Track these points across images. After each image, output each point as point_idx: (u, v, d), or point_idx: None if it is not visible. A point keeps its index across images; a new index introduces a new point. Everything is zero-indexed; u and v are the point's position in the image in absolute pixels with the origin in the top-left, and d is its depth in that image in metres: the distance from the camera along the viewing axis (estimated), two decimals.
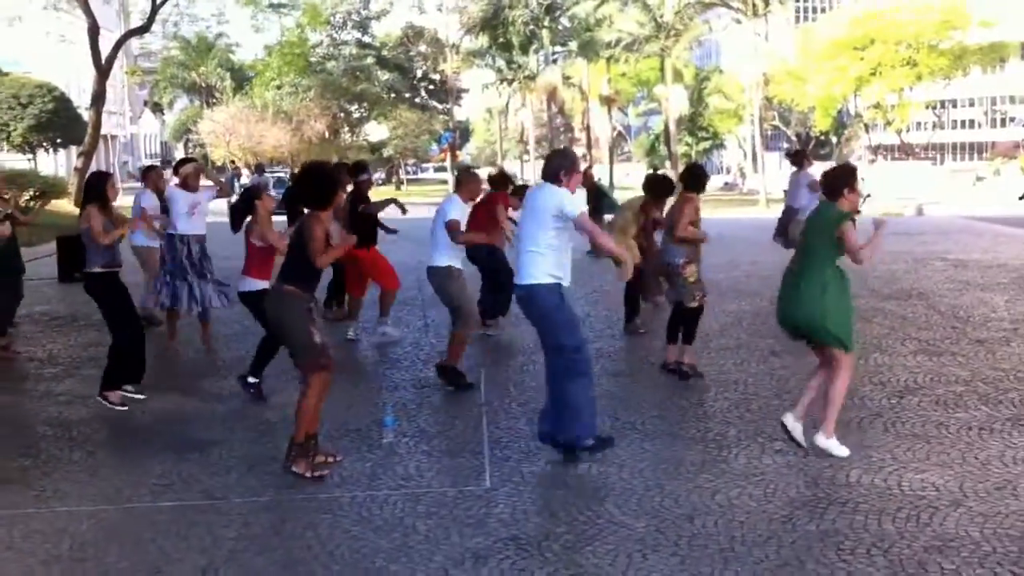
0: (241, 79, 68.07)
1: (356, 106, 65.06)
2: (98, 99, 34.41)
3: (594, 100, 54.25)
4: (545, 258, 6.44)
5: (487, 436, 7.17)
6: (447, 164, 71.99)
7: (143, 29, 37.86)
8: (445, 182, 63.58)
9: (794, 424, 6.69)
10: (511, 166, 63.42)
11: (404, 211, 11.11)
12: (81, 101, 45.87)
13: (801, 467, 6.39)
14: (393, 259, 11.14)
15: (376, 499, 5.96)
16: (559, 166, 6.57)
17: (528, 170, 58.38)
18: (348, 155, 66.97)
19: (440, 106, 63.14)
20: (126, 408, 8.06)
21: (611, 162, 54.86)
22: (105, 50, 33.22)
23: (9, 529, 5.56)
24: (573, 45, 54.25)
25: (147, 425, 7.77)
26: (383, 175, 70.32)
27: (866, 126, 68.98)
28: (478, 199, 9.27)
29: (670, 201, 9.69)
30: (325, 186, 6.41)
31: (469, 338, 8.89)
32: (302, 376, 6.43)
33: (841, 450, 6.56)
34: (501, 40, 54.24)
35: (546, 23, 52.98)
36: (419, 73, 63.89)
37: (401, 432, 7.17)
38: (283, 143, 57.16)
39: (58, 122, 45.67)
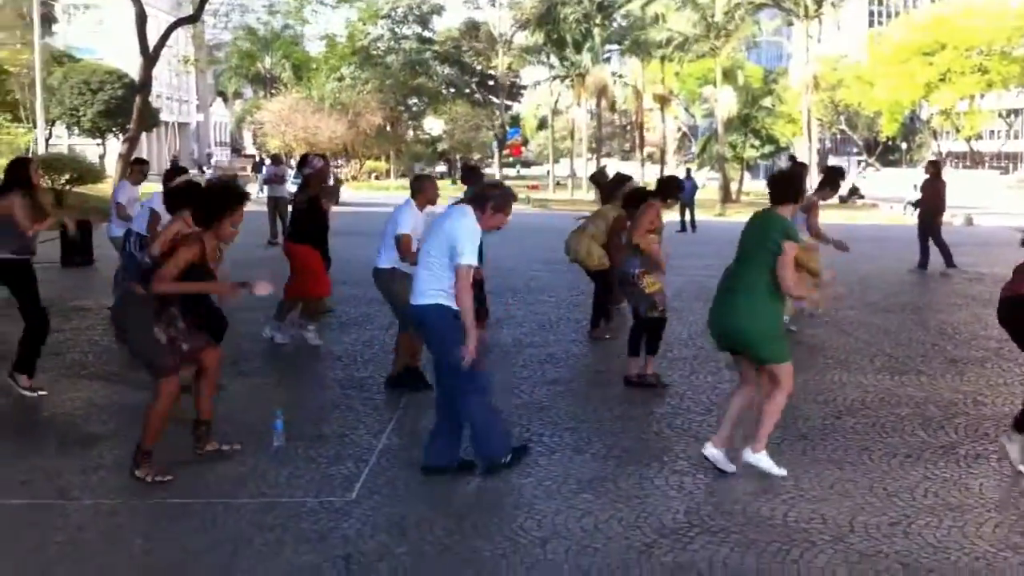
0: (302, 70, 68.64)
1: (415, 100, 65.29)
2: (144, 86, 34.66)
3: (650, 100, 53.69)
4: (437, 278, 6.10)
5: (383, 444, 6.86)
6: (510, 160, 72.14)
7: (193, 19, 38.06)
8: (508, 178, 63.43)
9: (715, 453, 6.29)
10: (569, 166, 62.86)
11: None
12: (154, 89, 46.40)
13: (691, 491, 5.99)
14: (351, 254, 10.89)
15: (230, 507, 5.68)
16: (485, 199, 6.19)
17: (581, 168, 57.82)
18: (403, 148, 67.57)
19: (497, 101, 62.88)
20: (35, 395, 7.90)
21: (662, 162, 54.12)
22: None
23: None
24: (625, 44, 53.72)
25: (46, 416, 7.61)
26: (445, 169, 70.37)
27: (934, 133, 67.34)
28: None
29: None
30: (212, 207, 6.15)
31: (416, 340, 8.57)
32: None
33: (774, 468, 6.15)
34: (555, 37, 53.85)
35: (598, 20, 52.42)
36: (477, 68, 63.73)
37: (297, 436, 6.87)
38: (339, 134, 57.53)
39: (127, 108, 46.16)
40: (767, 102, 53.74)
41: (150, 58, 33.85)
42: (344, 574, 4.84)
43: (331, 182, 24.45)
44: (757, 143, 55.63)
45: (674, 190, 8.81)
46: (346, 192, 36.21)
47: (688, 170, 34.96)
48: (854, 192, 49.72)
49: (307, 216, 9.98)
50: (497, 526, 5.45)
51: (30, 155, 28.40)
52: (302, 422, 7.19)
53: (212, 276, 6.20)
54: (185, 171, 10.57)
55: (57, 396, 8.03)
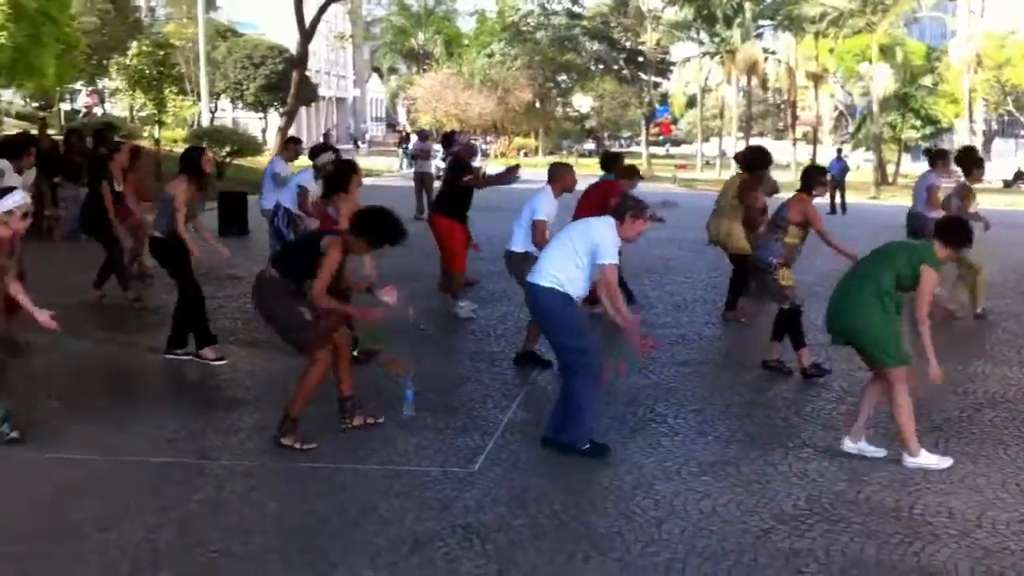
0: (453, 46, 69.43)
1: (563, 76, 65.22)
2: (301, 61, 35.78)
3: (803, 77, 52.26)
4: (561, 269, 6.25)
5: (509, 418, 6.99)
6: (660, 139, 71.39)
7: None
8: (656, 157, 62.87)
9: (852, 447, 6.25)
10: (718, 145, 61.85)
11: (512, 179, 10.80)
12: (311, 64, 47.63)
13: (814, 478, 5.93)
14: (492, 231, 11.04)
15: (357, 473, 5.91)
16: (624, 208, 6.35)
17: (730, 147, 56.85)
18: (551, 125, 67.61)
19: (646, 78, 62.24)
20: (224, 362, 8.30)
21: (815, 142, 52.58)
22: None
23: (5, 471, 5.82)
24: (778, 19, 52.36)
25: (194, 380, 8.01)
26: (592, 147, 70.16)
27: None
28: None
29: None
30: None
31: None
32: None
33: (936, 461, 6.11)
34: (705, 12, 52.91)
35: None
36: (626, 45, 63.15)
37: (427, 407, 7.07)
38: (488, 110, 58.03)
39: (288, 83, 47.68)
40: (927, 80, 51.58)
41: (306, 33, 34.84)
42: (463, 543, 4.98)
43: (477, 160, 24.75)
44: (917, 123, 53.47)
45: (816, 182, 8.49)
46: (493, 168, 36.52)
47: (839, 150, 33.87)
48: (1020, 176, 47.40)
49: (453, 191, 10.24)
50: (614, 503, 5.51)
51: (200, 136, 29.63)
52: (432, 393, 7.39)
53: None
54: (328, 148, 10.84)
55: (202, 363, 8.41)
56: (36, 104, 49.69)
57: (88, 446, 6.26)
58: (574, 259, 6.21)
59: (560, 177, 8.67)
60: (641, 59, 62.83)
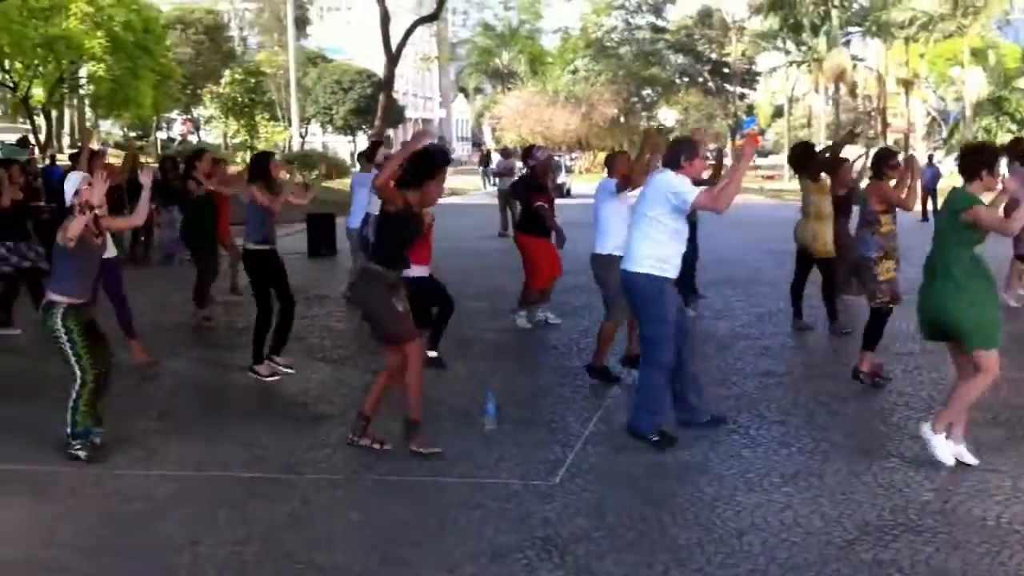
0: (537, 64, 69.80)
1: (648, 90, 65.08)
2: (388, 84, 36.31)
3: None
4: (648, 244, 6.38)
5: (589, 431, 7.01)
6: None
7: (433, 17, 39.46)
8: (757, 168, 62.01)
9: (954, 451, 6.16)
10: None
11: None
12: (398, 87, 48.42)
13: (900, 489, 5.82)
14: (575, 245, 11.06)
15: (439, 485, 5.99)
16: (679, 153, 6.47)
17: None
18: (636, 139, 67.34)
19: (731, 89, 61.78)
20: (277, 379, 8.52)
21: (906, 149, 51.49)
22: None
23: (94, 487, 6.04)
24: (866, 25, 51.49)
25: (281, 396, 8.19)
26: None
27: None
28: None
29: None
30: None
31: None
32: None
33: (944, 453, 6.01)
34: (791, 21, 52.29)
35: (836, 2, 50.49)
36: (712, 56, 62.79)
37: (508, 419, 7.13)
38: (573, 126, 58.15)
39: (375, 106, 48.58)
40: (1022, 83, 50.20)
41: (393, 57, 35.35)
42: (542, 554, 5.01)
43: (561, 175, 24.75)
44: (1013, 127, 52.03)
45: (886, 165, 8.35)
46: (578, 184, 36.59)
47: (931, 157, 33.16)
48: None
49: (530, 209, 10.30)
50: (694, 515, 5.50)
51: (276, 151, 30.35)
52: (513, 407, 7.44)
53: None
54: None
55: (294, 377, 8.62)
56: (134, 133, 51.23)
57: (179, 462, 6.46)
58: (657, 227, 6.37)
59: (616, 166, 8.74)
60: (726, 70, 62.44)
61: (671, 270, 6.51)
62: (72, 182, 6.51)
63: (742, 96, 65.32)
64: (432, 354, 8.62)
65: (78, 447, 6.37)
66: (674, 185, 6.34)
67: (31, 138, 28.81)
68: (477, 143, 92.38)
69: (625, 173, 8.48)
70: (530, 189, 10.57)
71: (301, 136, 48.11)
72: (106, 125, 48.88)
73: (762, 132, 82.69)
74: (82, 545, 5.21)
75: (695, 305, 11.04)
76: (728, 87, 62.33)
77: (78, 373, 6.33)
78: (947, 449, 6.06)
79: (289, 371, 8.64)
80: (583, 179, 38.77)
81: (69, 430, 6.37)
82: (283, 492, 5.93)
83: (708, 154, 6.80)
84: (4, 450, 6.67)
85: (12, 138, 32.59)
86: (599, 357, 8.40)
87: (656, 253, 6.42)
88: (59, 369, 6.67)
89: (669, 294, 6.49)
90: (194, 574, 4.86)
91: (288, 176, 10.07)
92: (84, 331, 6.34)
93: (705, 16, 61.38)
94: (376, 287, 6.37)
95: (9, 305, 10.57)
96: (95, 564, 4.99)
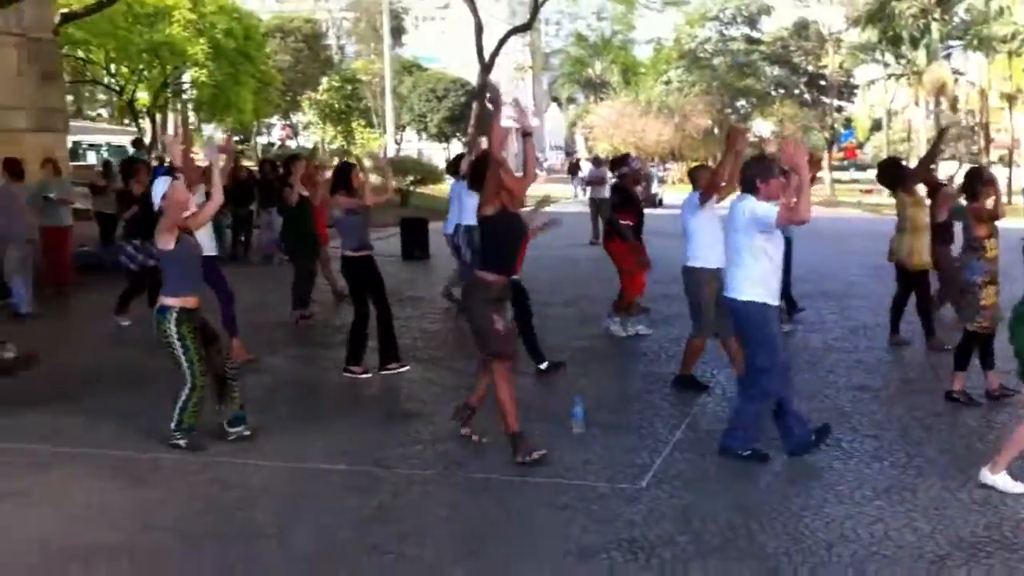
0: (630, 75, 69.62)
1: (742, 101, 64.37)
2: (481, 93, 36.54)
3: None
4: (747, 271, 6.38)
5: (678, 437, 7.01)
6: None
7: (526, 27, 39.59)
8: (839, 183, 61.08)
9: (991, 480, 6.01)
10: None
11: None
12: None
13: (996, 505, 5.71)
14: (666, 254, 11.05)
15: (527, 485, 6.05)
16: (753, 174, 6.44)
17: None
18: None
19: (828, 102, 60.70)
20: (369, 376, 8.68)
21: (1010, 165, 50.14)
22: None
23: (194, 475, 6.24)
24: (967, 39, 50.10)
25: (374, 394, 8.35)
26: None
27: None
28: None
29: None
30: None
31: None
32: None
33: (1012, 485, 5.88)
34: (890, 33, 51.18)
35: (936, 15, 49.28)
36: (809, 68, 61.85)
37: (596, 424, 7.16)
38: (665, 137, 57.82)
39: (469, 114, 48.95)
40: None
41: (486, 66, 35.63)
42: (628, 556, 5.04)
43: (654, 186, 24.64)
44: None
45: (978, 187, 8.15)
46: (670, 195, 36.39)
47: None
48: None
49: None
50: (782, 524, 5.46)
51: (379, 151, 30.80)
52: (602, 411, 7.47)
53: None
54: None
55: (385, 376, 8.77)
56: (235, 139, 52.40)
57: (275, 454, 6.63)
58: (751, 251, 6.32)
59: (699, 178, 8.69)
60: (823, 82, 61.42)
61: (772, 295, 6.43)
62: (160, 186, 6.74)
63: (839, 108, 64.18)
64: (543, 366, 8.76)
65: (180, 437, 6.59)
66: (754, 210, 6.28)
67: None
68: (568, 151, 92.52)
69: (705, 187, 8.46)
70: (618, 200, 10.61)
71: (396, 143, 48.71)
72: (208, 129, 50.03)
73: (860, 145, 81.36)
74: (180, 529, 5.40)
75: (793, 316, 10.95)
76: (825, 99, 61.22)
77: (188, 377, 6.53)
78: (1011, 481, 5.92)
79: (404, 369, 8.81)
80: (675, 189, 38.51)
81: (174, 425, 6.59)
82: (373, 485, 6.05)
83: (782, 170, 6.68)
84: (110, 437, 6.93)
85: (120, 140, 33.58)
86: (685, 368, 8.38)
87: (754, 276, 6.35)
88: (161, 362, 6.90)
89: (774, 321, 6.45)
90: (287, 560, 4.99)
91: (381, 170, 10.31)
92: (196, 336, 6.54)
93: (801, 28, 60.50)
94: (479, 302, 6.44)
95: (129, 300, 11.01)
96: (192, 548, 5.16)
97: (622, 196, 10.56)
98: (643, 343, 10.27)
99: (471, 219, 10.42)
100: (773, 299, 6.45)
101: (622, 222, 10.28)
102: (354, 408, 7.93)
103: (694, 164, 10.30)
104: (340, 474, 6.27)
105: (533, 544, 5.18)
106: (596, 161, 24.98)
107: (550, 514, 5.57)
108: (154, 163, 19.19)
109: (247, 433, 6.84)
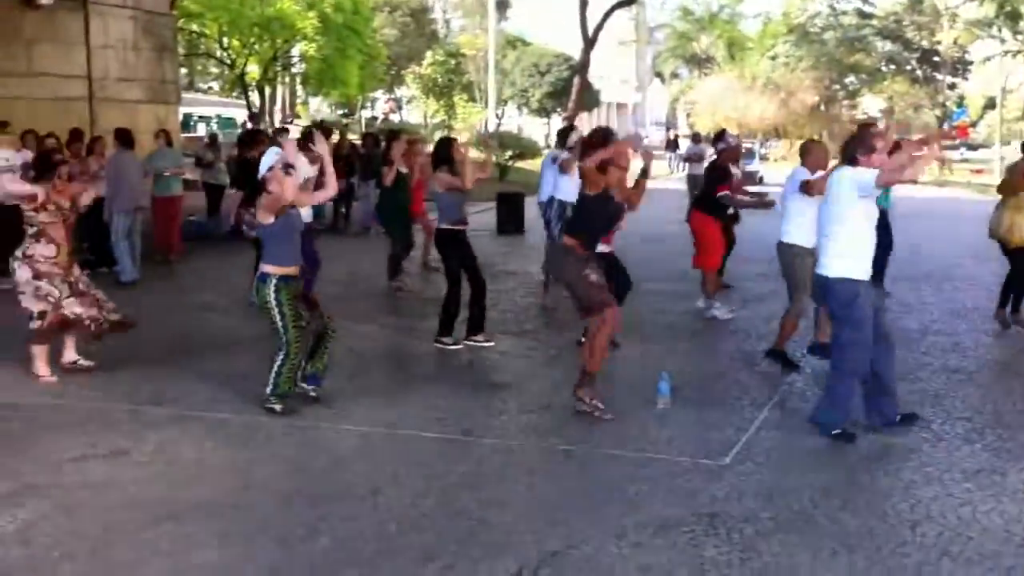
0: (735, 50, 68.53)
1: (851, 78, 62.86)
2: (583, 68, 36.43)
3: None
4: (838, 245, 6.35)
5: (764, 415, 6.98)
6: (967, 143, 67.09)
7: (630, 1, 39.31)
8: (965, 162, 59.26)
9: None
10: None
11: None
12: (594, 70, 48.58)
13: None
14: (759, 231, 10.96)
15: (610, 457, 6.11)
16: (853, 149, 6.43)
17: None
18: (836, 128, 65.34)
19: (941, 78, 58.90)
20: (460, 347, 8.82)
21: None
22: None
23: (286, 437, 6.45)
24: None
25: (464, 365, 8.48)
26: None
27: None
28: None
29: None
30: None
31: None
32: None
33: None
34: (1008, 8, 49.38)
35: None
36: (923, 44, 60.00)
37: (682, 400, 7.18)
38: (769, 114, 56.86)
39: (571, 89, 48.87)
40: None
41: (590, 41, 35.47)
42: (708, 529, 5.07)
43: (753, 163, 24.19)
44: None
45: None
46: (771, 173, 35.81)
47: None
48: None
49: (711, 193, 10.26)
50: (866, 503, 5.43)
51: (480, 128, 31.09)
52: (688, 388, 7.50)
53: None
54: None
55: (474, 348, 8.90)
56: (340, 111, 53.25)
57: (364, 419, 6.81)
58: (846, 225, 6.30)
59: (810, 153, 8.58)
60: (936, 58, 59.63)
61: (863, 272, 6.38)
62: (269, 157, 6.92)
63: (952, 86, 62.25)
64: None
65: (274, 401, 6.81)
66: (854, 176, 6.25)
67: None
68: (669, 127, 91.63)
69: (811, 188, 8.32)
70: (714, 175, 10.53)
71: (497, 117, 48.90)
72: (315, 103, 50.94)
73: (973, 124, 78.72)
74: (273, 488, 5.60)
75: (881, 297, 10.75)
76: (938, 76, 59.47)
77: (284, 344, 6.75)
78: None
79: (490, 344, 8.92)
80: (776, 167, 37.91)
81: (268, 390, 6.82)
82: (460, 453, 6.19)
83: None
84: (207, 400, 7.20)
85: (229, 112, 34.41)
86: (780, 343, 8.32)
87: (844, 251, 6.33)
88: (258, 329, 7.12)
89: (863, 296, 6.37)
90: (375, 522, 5.14)
91: (485, 145, 10.45)
92: (293, 305, 6.75)
93: (916, 2, 58.71)
94: (568, 259, 6.64)
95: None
96: (284, 506, 5.35)
97: (720, 173, 10.49)
98: (733, 322, 10.21)
99: (564, 194, 10.53)
100: (864, 274, 6.39)
101: (720, 193, 10.22)
102: (444, 378, 8.08)
103: (807, 140, 10.10)
104: (428, 441, 6.42)
105: (613, 515, 5.24)
106: (695, 137, 24.74)
107: (631, 487, 5.63)
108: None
109: (313, 394, 7.04)
